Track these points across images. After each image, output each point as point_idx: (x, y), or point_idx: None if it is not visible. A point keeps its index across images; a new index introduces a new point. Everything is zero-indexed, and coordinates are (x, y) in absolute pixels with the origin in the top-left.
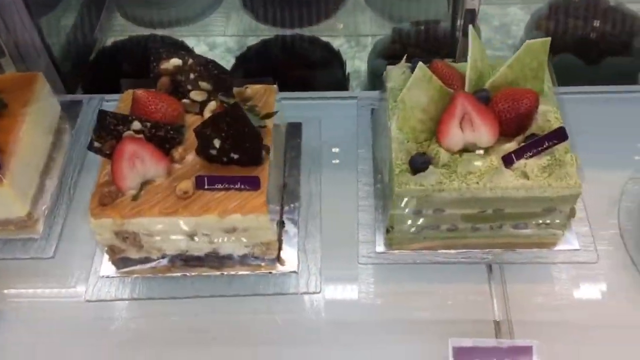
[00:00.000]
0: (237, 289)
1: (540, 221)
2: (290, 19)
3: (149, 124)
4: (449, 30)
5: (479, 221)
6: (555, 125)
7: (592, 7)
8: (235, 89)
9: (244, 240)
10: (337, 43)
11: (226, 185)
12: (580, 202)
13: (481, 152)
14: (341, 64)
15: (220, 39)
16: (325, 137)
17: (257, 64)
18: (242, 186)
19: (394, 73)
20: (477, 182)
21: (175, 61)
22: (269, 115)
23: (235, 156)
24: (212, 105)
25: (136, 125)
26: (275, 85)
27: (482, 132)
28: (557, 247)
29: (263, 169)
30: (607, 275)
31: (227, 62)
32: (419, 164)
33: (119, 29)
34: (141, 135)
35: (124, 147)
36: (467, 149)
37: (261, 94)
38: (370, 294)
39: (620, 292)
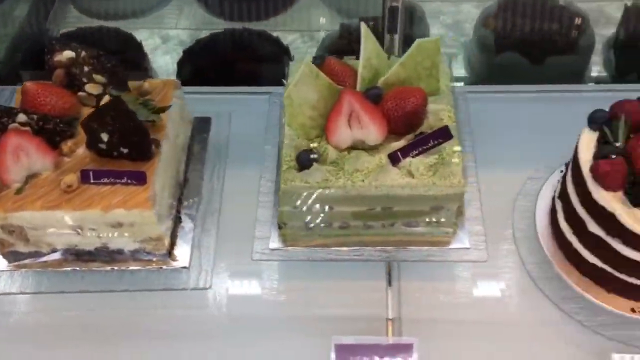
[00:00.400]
0: (127, 284)
1: (429, 219)
2: (243, 12)
3: (35, 117)
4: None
5: (370, 219)
6: (449, 123)
7: (540, 6)
8: (132, 83)
9: (131, 235)
10: (290, 38)
11: (112, 180)
12: (477, 201)
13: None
14: (289, 59)
15: (172, 32)
16: (234, 132)
17: (204, 57)
18: (129, 181)
19: (294, 69)
20: (363, 180)
21: (68, 53)
22: (162, 110)
23: (125, 150)
24: (107, 98)
25: (21, 117)
26: (176, 80)
27: (370, 129)
28: (449, 246)
29: (152, 164)
30: (499, 275)
31: (179, 55)
32: (305, 161)
33: (72, 21)
34: (27, 128)
35: (7, 139)
36: (356, 147)
37: (160, 88)
38: (266, 290)
39: (510, 290)
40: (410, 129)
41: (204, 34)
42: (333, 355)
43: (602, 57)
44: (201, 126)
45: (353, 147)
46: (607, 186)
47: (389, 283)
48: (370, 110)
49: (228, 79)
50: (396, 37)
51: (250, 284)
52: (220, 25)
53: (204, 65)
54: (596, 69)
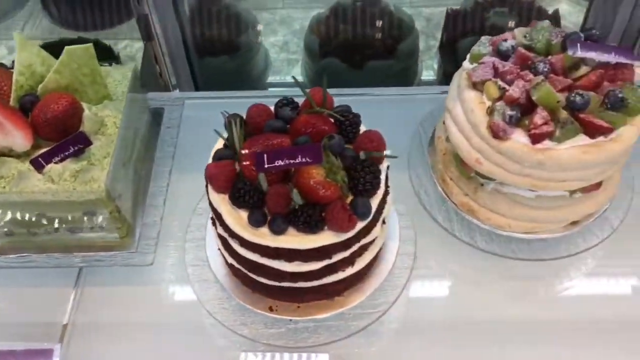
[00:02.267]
0: None
1: (92, 225)
2: (87, 22)
3: None
4: None
5: (30, 226)
6: (112, 129)
7: (368, 13)
8: None
9: None
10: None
11: None
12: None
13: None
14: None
15: None
16: None
17: None
18: None
19: None
20: (4, 187)
21: None
22: None
23: None
24: None
25: None
26: None
27: (16, 136)
28: (116, 251)
29: None
30: (164, 278)
31: None
32: None
33: None
34: None
35: None
36: (6, 154)
37: None
38: None
39: (172, 294)
40: (63, 134)
41: None
42: None
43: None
44: None
45: (4, 154)
46: (215, 188)
47: (75, 288)
48: (14, 118)
49: None
50: (156, 44)
51: None
52: (65, 34)
53: None
54: (428, 73)
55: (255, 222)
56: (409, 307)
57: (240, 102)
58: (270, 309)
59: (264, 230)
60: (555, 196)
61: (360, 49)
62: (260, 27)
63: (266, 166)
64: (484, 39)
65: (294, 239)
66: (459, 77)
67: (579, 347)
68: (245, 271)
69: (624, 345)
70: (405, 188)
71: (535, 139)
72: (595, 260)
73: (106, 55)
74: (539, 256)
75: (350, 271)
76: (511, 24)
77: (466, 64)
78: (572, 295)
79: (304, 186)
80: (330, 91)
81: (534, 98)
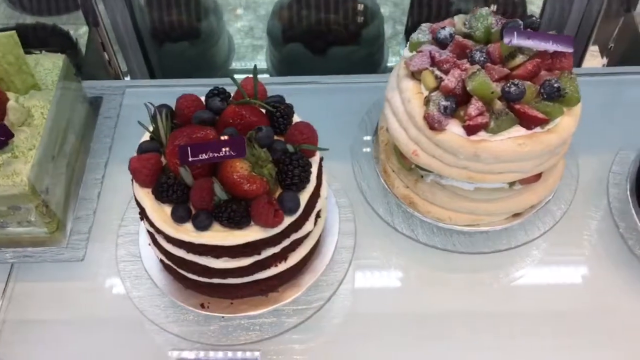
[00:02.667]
0: None
1: (20, 220)
2: (42, 6)
3: None
4: None
5: None
6: (39, 120)
7: None
8: None
9: None
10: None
11: None
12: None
13: None
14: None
15: None
16: None
17: None
18: None
19: None
20: None
21: None
22: None
23: None
24: None
25: None
26: None
27: None
28: (46, 247)
29: None
30: (96, 275)
31: None
32: None
33: None
34: None
35: None
36: None
37: None
38: None
39: (105, 290)
40: None
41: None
42: None
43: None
44: None
45: None
46: (139, 182)
47: (6, 284)
48: None
49: None
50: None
51: None
52: (21, 19)
53: None
54: (396, 59)
55: (179, 217)
56: (354, 301)
57: (191, 90)
58: (202, 306)
59: (188, 226)
60: (494, 188)
61: (323, 34)
62: (223, 13)
63: (190, 159)
64: (424, 26)
65: (218, 235)
66: (399, 66)
67: (521, 337)
68: (175, 267)
69: (565, 335)
70: (348, 180)
71: (470, 130)
72: (538, 251)
73: (64, 41)
74: (480, 249)
75: (283, 267)
76: None
77: (406, 52)
78: (514, 287)
79: (228, 180)
80: (286, 79)
81: (468, 88)
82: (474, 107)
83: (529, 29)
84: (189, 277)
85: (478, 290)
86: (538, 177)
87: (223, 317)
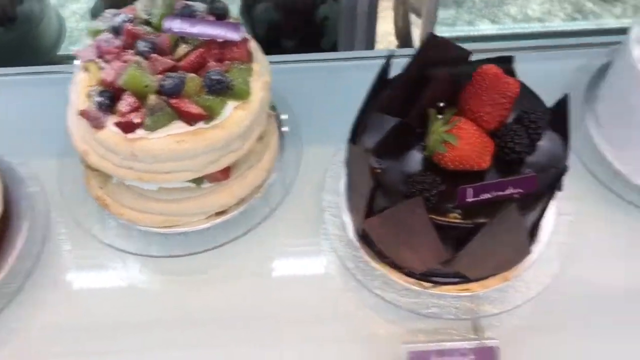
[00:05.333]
0: None
1: None
2: None
3: None
4: None
5: None
6: None
7: None
8: None
9: None
10: None
11: None
12: None
13: None
14: None
15: None
16: None
17: None
18: None
19: None
20: None
21: None
22: None
23: None
24: None
25: None
26: None
27: None
28: None
29: None
30: None
31: None
32: None
33: None
34: None
35: None
36: None
37: None
38: None
39: None
40: None
41: None
42: None
43: None
44: None
45: None
46: None
47: None
48: None
49: None
50: None
51: None
52: None
53: None
54: None
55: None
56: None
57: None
58: None
59: None
60: (180, 188)
61: None
62: None
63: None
64: (108, 12)
65: None
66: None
67: (222, 345)
68: None
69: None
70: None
71: (124, 128)
72: (243, 252)
73: None
74: (173, 252)
75: None
76: None
77: (87, 41)
78: (208, 291)
79: None
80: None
81: (119, 83)
82: (126, 102)
83: (208, 16)
84: None
85: (175, 297)
86: (225, 174)
87: None
